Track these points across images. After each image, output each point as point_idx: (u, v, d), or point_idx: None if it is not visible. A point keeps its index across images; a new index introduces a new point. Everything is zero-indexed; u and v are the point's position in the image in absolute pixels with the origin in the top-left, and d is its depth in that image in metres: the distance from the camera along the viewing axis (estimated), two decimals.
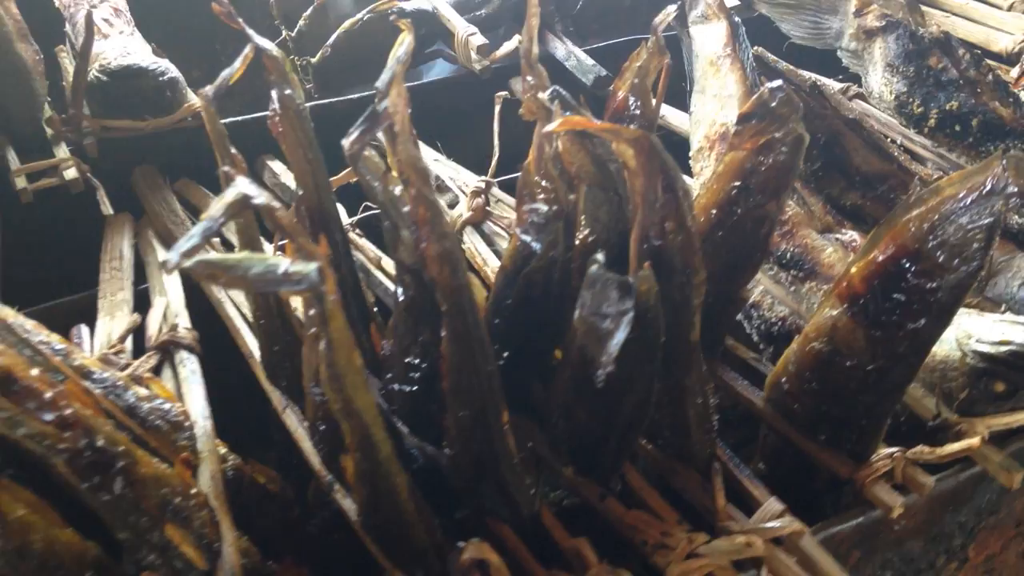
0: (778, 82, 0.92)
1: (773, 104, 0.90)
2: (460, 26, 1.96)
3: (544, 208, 0.94)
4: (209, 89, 0.98)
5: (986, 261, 0.88)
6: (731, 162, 1.06)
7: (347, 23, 1.97)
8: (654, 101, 1.15)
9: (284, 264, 0.61)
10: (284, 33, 2.05)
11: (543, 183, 0.94)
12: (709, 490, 1.02)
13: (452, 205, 1.59)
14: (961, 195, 0.85)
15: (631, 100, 1.17)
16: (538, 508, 0.99)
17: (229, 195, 0.65)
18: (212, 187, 1.63)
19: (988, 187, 0.83)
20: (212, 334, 1.27)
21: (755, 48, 1.62)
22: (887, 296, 0.93)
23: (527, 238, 0.95)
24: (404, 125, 0.77)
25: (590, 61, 1.94)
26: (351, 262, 1.15)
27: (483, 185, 1.58)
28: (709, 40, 1.54)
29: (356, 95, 1.85)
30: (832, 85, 1.82)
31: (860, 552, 1.07)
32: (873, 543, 1.07)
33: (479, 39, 1.92)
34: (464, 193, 1.60)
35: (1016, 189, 0.81)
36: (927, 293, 0.90)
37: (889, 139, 1.55)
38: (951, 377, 1.11)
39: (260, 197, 0.66)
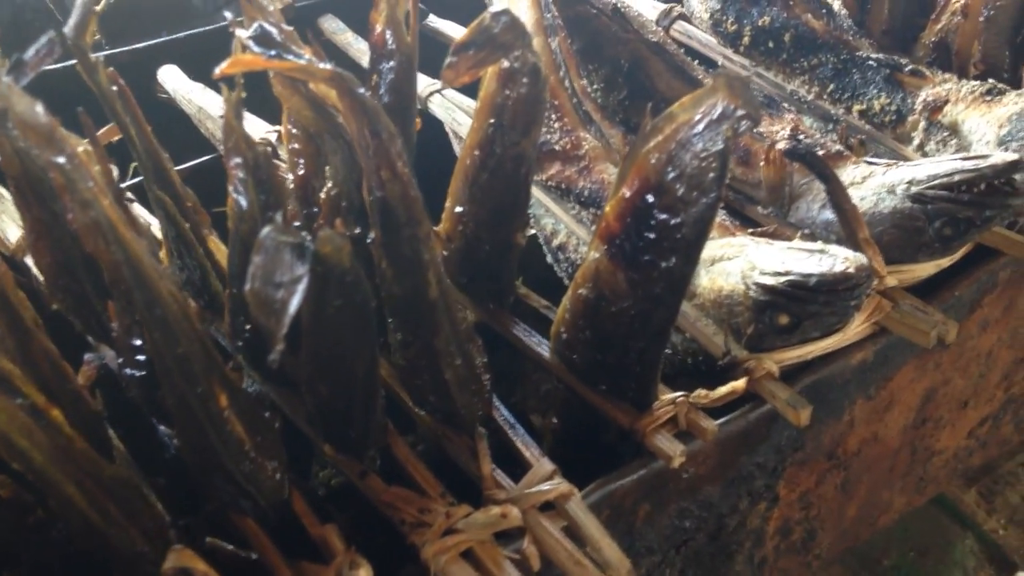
0: (502, 6, 0.82)
1: (496, 31, 0.80)
2: None
3: (240, 160, 0.83)
4: None
5: (723, 191, 0.80)
6: (484, 98, 0.96)
7: None
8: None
9: None
10: None
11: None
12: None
13: None
14: (693, 121, 0.77)
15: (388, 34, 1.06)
16: (287, 495, 0.90)
17: None
18: None
19: (718, 111, 0.75)
20: None
21: None
22: (640, 235, 0.86)
23: (236, 195, 0.84)
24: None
25: None
26: None
27: (271, 136, 1.45)
28: None
29: (143, 44, 1.69)
30: (656, 6, 1.74)
31: (649, 505, 1.01)
32: (662, 494, 1.01)
33: None
34: None
35: (743, 112, 0.73)
36: (672, 229, 0.83)
37: (689, 65, 1.46)
38: (738, 312, 1.05)
39: None
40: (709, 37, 1.65)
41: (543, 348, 1.07)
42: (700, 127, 0.77)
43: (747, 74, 1.54)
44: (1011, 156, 1.08)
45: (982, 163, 1.08)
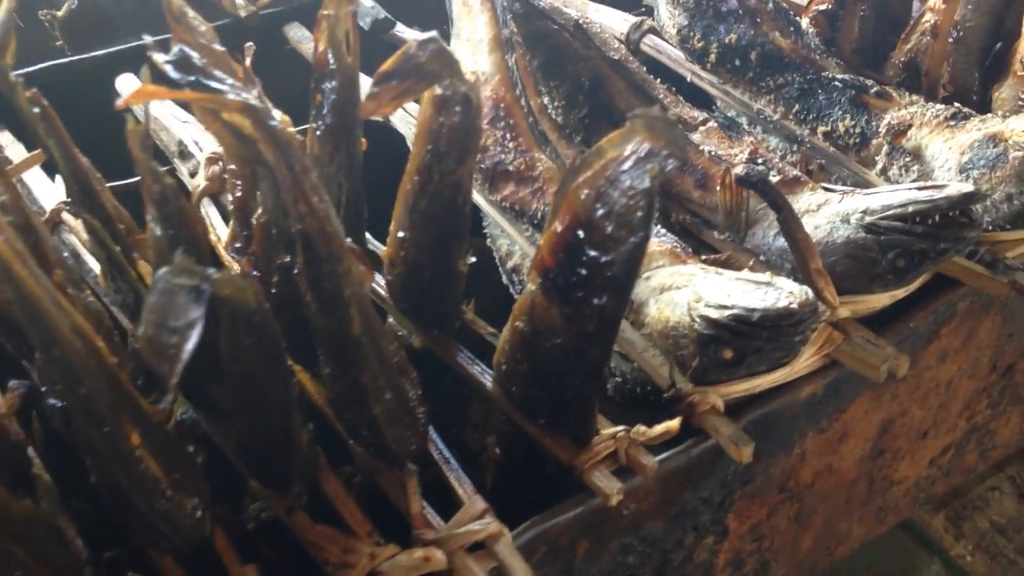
0: (430, 34, 0.79)
1: (422, 60, 0.77)
2: None
3: (157, 187, 0.80)
4: None
5: (651, 230, 0.78)
6: (421, 123, 0.94)
7: None
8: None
9: None
10: None
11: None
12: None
13: (194, 173, 1.44)
14: (622, 157, 0.74)
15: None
16: (209, 532, 0.87)
17: None
18: None
19: (646, 149, 0.72)
20: None
21: None
22: (572, 270, 0.83)
23: (152, 226, 0.82)
24: None
25: (369, 3, 1.77)
26: None
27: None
28: None
29: (103, 51, 1.66)
30: (628, 19, 1.71)
31: (588, 542, 0.98)
32: (601, 531, 0.99)
33: None
34: None
35: (667, 152, 0.71)
36: (603, 267, 0.80)
37: (658, 83, 1.43)
38: (683, 344, 1.02)
39: None
40: (679, 52, 1.62)
41: (486, 377, 1.05)
42: (628, 164, 0.75)
43: (715, 92, 1.52)
44: (967, 187, 1.05)
45: (937, 194, 1.05)
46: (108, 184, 1.05)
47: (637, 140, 0.73)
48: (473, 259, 1.02)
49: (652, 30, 1.67)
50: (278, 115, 0.86)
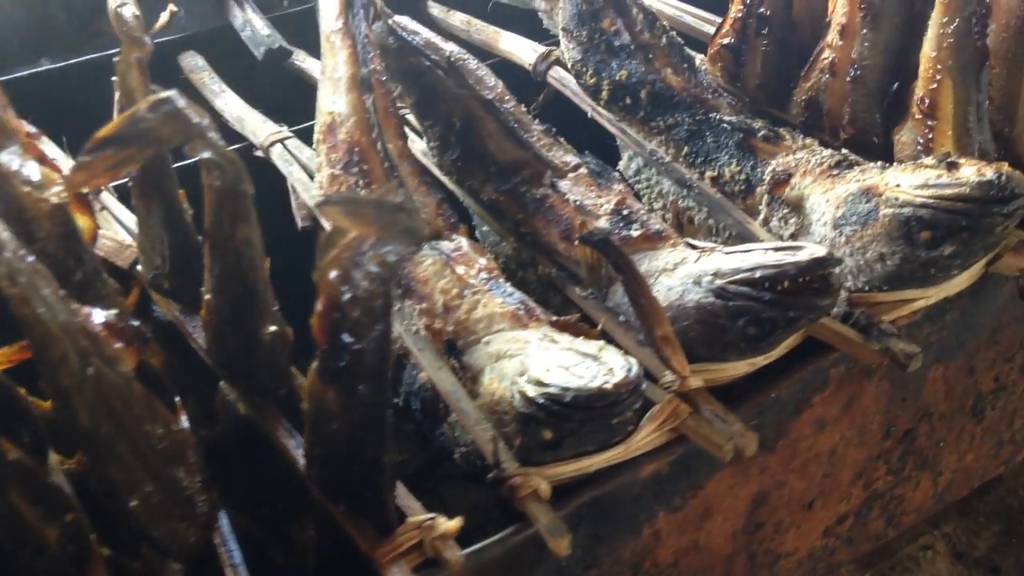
0: (168, 93, 0.71)
1: (150, 124, 0.69)
2: None
3: None
4: None
5: (391, 321, 0.69)
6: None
7: None
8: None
9: None
10: None
11: None
12: None
13: None
14: (360, 239, 0.66)
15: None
16: None
17: None
18: None
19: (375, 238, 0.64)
20: None
21: (396, 17, 1.41)
22: (337, 353, 0.75)
23: None
24: None
25: (266, 31, 1.70)
26: None
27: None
28: (326, 11, 1.32)
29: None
30: (536, 49, 1.63)
31: None
32: None
33: (130, 9, 1.65)
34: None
35: (381, 242, 0.62)
36: (358, 354, 0.72)
37: (534, 124, 1.34)
38: (506, 421, 0.94)
39: None
40: None
41: (301, 453, 0.96)
42: (366, 247, 0.66)
43: (614, 130, 1.43)
44: (820, 251, 0.96)
45: (787, 258, 0.96)
46: None
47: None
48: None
49: (559, 61, 1.59)
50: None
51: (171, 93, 0.72)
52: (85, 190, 1.07)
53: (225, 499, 0.93)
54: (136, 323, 0.96)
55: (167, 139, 0.71)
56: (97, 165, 0.68)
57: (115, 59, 0.95)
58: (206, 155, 0.73)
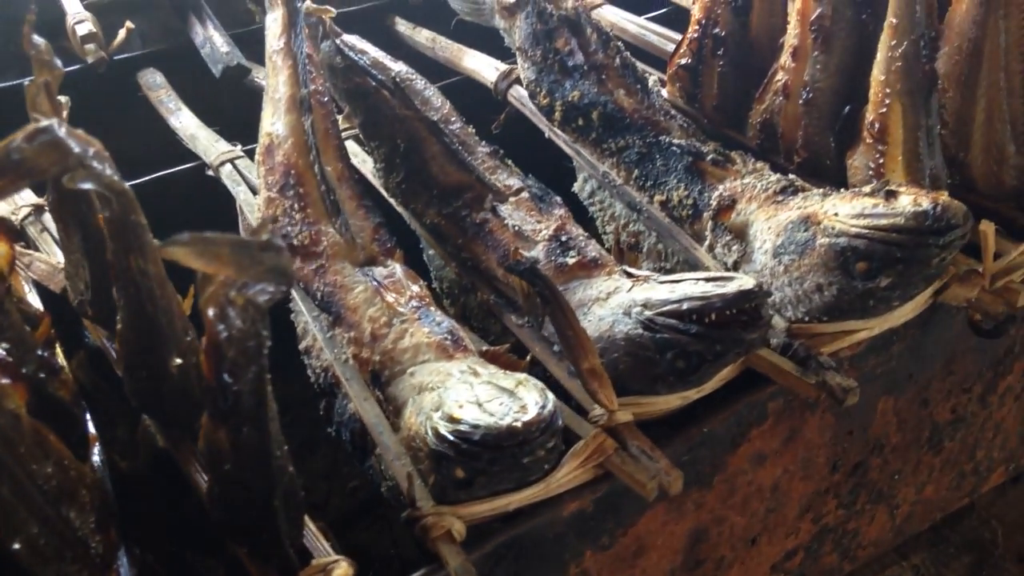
0: (47, 122, 0.68)
1: (27, 154, 0.67)
2: (71, 9, 1.68)
3: None
4: None
5: (266, 362, 0.66)
6: None
7: None
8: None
9: None
10: None
11: None
12: None
13: None
14: (232, 280, 0.63)
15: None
16: None
17: None
18: None
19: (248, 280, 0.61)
20: None
21: (344, 36, 1.39)
22: (223, 392, 0.72)
23: None
24: None
25: (225, 48, 1.68)
26: None
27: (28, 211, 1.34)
28: (270, 31, 1.30)
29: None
30: (498, 67, 1.60)
31: None
32: None
33: (87, 27, 1.64)
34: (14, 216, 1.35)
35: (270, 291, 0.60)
36: (236, 396, 0.69)
37: (479, 147, 1.32)
38: (421, 458, 0.91)
39: None
40: None
41: None
42: (237, 286, 0.63)
43: (570, 151, 1.40)
44: (748, 283, 0.93)
45: (714, 290, 0.93)
46: None
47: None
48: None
49: (519, 80, 1.56)
50: None
51: (51, 122, 0.69)
52: None
53: (137, 536, 0.90)
54: (42, 354, 0.95)
55: (44, 169, 0.68)
56: None
57: (26, 83, 0.92)
58: (87, 186, 0.70)
